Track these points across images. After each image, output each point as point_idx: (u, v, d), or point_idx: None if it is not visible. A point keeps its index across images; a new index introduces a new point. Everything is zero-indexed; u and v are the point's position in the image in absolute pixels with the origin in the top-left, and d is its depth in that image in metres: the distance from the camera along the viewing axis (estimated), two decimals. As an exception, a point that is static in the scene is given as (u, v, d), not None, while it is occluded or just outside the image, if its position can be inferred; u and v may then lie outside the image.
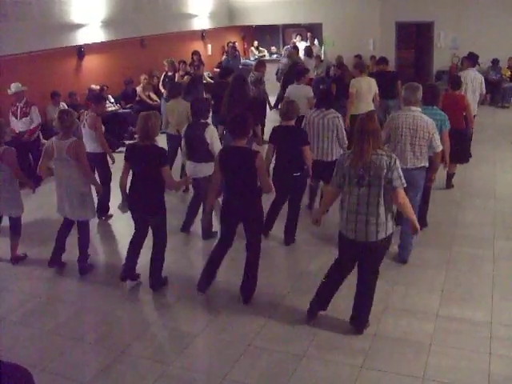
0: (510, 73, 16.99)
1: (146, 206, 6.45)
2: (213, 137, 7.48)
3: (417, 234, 5.55)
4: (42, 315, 6.31)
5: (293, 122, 7.51)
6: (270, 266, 7.05)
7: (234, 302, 6.34)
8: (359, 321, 5.65)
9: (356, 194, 5.21)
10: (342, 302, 5.88)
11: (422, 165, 6.92)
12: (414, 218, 5.42)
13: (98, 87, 14.13)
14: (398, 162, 5.12)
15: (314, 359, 5.30)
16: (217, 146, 7.42)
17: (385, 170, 5.05)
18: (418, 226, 5.40)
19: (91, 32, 13.80)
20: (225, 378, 5.07)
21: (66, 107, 12.51)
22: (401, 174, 5.13)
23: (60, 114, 6.94)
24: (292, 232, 7.86)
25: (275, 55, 22.01)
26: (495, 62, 16.75)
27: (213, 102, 10.27)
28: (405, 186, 5.19)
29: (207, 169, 7.39)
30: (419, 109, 6.90)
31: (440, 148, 6.93)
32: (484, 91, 10.84)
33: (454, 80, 9.47)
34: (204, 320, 6.09)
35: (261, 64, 13.07)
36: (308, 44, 20.00)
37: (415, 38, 19.85)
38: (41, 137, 11.50)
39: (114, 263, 7.40)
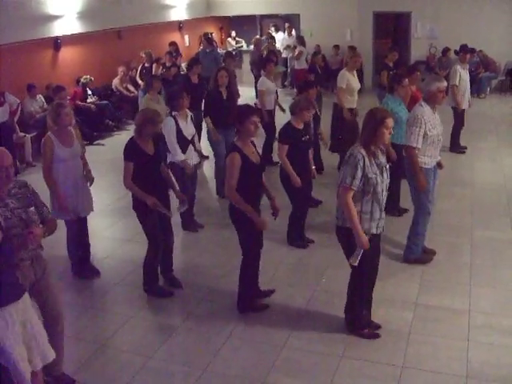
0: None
1: None
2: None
3: None
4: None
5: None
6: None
7: (213, 294, 6.36)
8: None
9: None
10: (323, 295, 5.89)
11: None
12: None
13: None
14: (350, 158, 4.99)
15: (295, 349, 5.32)
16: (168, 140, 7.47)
17: None
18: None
19: (67, 23, 13.63)
20: (206, 370, 5.07)
21: (43, 100, 12.44)
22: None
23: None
24: (289, 234, 7.52)
25: (252, 46, 21.95)
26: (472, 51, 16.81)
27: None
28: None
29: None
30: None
31: None
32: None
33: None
34: (183, 312, 6.08)
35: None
36: (285, 35, 20.01)
37: (392, 28, 19.92)
38: (17, 129, 11.39)
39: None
